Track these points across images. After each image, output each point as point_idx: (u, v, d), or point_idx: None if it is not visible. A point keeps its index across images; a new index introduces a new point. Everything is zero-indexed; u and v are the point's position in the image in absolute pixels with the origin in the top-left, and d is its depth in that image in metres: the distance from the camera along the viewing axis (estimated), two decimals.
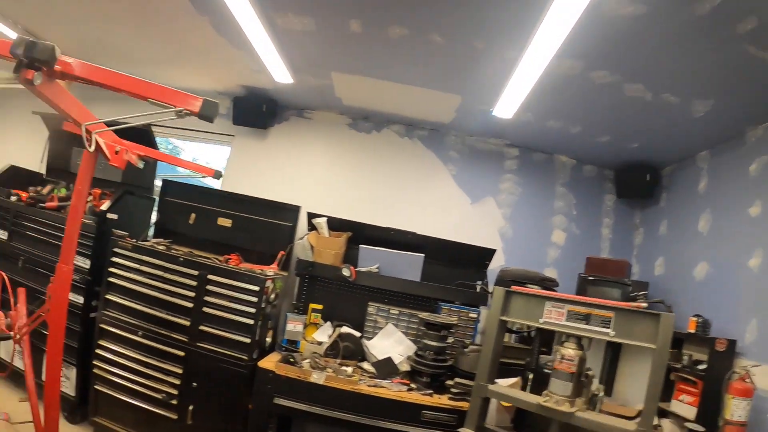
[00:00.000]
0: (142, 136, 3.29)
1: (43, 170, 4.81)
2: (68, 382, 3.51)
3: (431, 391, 3.04)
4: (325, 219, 3.78)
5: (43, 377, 2.57)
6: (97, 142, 2.46)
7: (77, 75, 1.77)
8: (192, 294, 3.22)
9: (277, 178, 4.54)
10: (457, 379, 3.06)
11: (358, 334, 3.56)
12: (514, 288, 2.60)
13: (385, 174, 4.43)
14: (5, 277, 3.29)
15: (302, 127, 4.65)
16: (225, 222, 4.03)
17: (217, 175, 3.28)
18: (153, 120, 1.88)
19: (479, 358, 2.64)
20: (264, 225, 4.01)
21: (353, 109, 4.42)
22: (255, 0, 2.72)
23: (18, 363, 3.09)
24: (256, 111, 4.49)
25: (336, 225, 3.86)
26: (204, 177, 3.32)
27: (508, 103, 3.41)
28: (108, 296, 3.43)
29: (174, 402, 3.18)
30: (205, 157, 5.66)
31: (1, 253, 4.02)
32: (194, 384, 3.16)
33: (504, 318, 2.55)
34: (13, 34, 3.96)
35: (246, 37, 3.13)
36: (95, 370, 3.41)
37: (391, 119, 4.46)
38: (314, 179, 4.52)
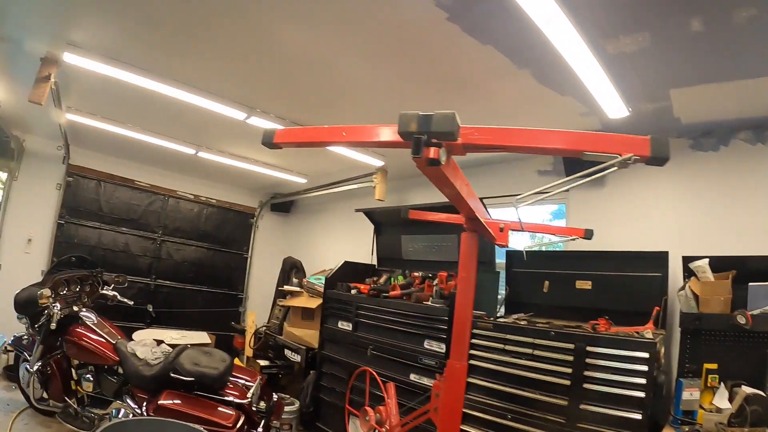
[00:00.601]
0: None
1: (374, 261, 5.41)
2: None
3: None
4: (707, 261, 3.23)
5: None
6: (478, 221, 2.38)
7: (482, 144, 1.52)
8: (568, 370, 3.04)
9: (625, 226, 4.12)
10: None
11: (762, 393, 2.89)
12: None
13: (743, 192, 3.65)
14: (374, 373, 3.53)
15: None
16: (584, 284, 3.79)
17: (588, 234, 3.05)
18: (583, 181, 1.61)
19: None
20: (628, 280, 3.66)
21: (693, 127, 3.87)
22: (584, 34, 2.56)
23: None
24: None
25: (714, 265, 3.28)
26: (574, 239, 3.14)
27: None
28: (470, 379, 3.43)
29: None
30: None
31: (348, 343, 4.49)
32: None
33: None
34: None
35: (576, 78, 2.99)
36: None
37: (734, 126, 3.74)
38: (667, 217, 3.96)
